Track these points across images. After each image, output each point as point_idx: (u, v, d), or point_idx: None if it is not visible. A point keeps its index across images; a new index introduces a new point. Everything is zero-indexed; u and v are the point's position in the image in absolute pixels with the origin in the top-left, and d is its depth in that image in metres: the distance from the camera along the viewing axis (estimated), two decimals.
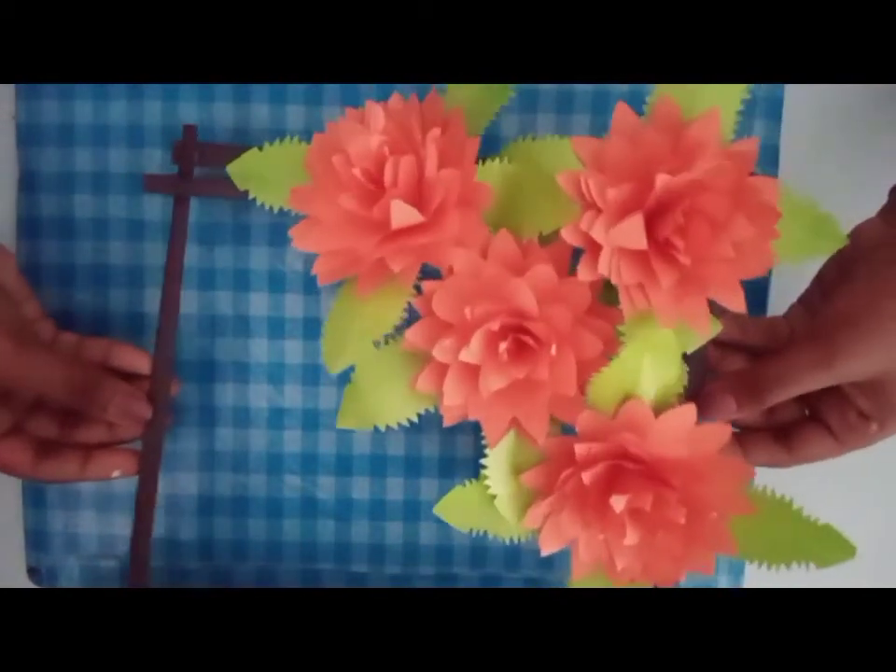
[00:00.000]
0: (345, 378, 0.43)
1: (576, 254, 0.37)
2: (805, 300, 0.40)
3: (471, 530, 0.39)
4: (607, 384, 0.36)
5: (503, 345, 0.36)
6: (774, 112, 0.43)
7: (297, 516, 0.44)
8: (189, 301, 0.43)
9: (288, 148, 0.39)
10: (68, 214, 0.43)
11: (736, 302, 0.35)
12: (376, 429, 0.44)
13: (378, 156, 0.36)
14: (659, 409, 0.37)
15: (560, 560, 0.44)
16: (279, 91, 0.42)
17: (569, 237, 0.35)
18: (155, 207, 0.43)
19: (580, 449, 0.36)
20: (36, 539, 0.45)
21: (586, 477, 0.35)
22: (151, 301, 0.43)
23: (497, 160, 0.37)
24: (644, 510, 0.35)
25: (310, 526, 0.45)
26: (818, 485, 0.45)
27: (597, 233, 0.34)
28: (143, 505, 0.41)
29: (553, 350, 0.35)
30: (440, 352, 0.36)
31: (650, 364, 0.36)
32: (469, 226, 0.36)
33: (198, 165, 0.42)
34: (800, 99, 0.43)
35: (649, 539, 0.36)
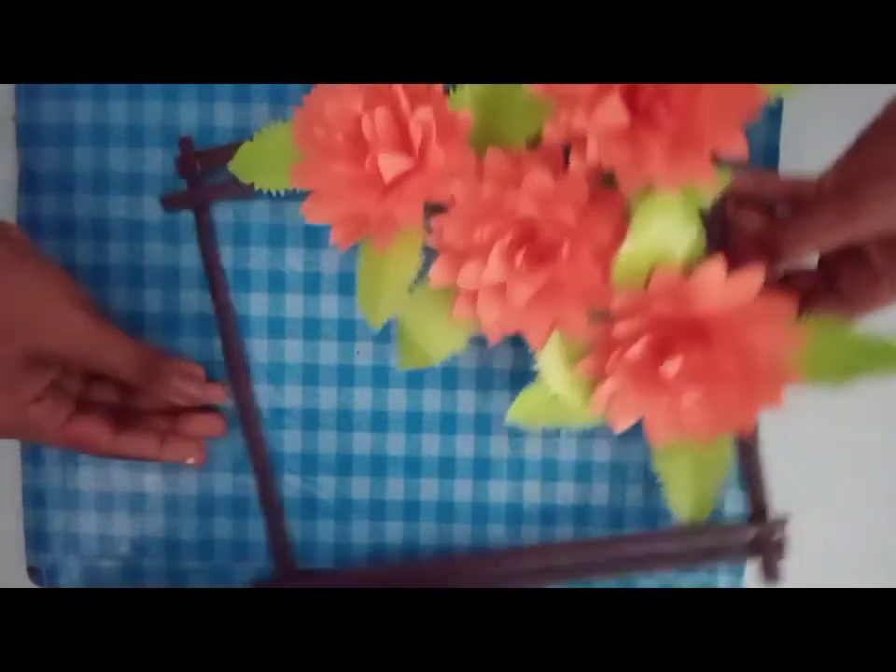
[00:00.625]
0: (346, 378, 0.43)
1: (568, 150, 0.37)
2: (834, 163, 0.38)
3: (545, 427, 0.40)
4: (628, 262, 0.37)
5: (519, 257, 0.36)
6: (774, 112, 0.43)
7: (297, 516, 0.44)
8: (190, 302, 0.43)
9: (280, 131, 0.39)
10: (68, 214, 0.43)
11: (736, 147, 0.35)
12: (376, 429, 0.44)
13: (355, 116, 0.37)
14: (687, 271, 0.37)
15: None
16: (279, 91, 0.42)
17: (553, 135, 0.36)
18: (155, 207, 0.43)
19: (620, 328, 0.37)
20: (36, 539, 0.45)
21: (633, 353, 0.37)
22: (151, 300, 0.43)
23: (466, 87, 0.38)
24: (696, 368, 0.36)
25: (310, 526, 0.45)
26: (818, 485, 0.45)
27: (578, 122, 0.35)
28: (267, 508, 0.43)
29: (566, 248, 0.36)
30: (464, 281, 0.37)
31: (662, 230, 0.36)
32: (455, 156, 0.37)
33: (202, 172, 0.42)
34: (800, 99, 0.43)
35: (709, 393, 0.37)
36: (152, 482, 0.44)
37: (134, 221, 0.43)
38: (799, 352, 0.37)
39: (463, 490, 0.44)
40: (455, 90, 0.38)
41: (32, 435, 0.39)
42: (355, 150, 0.37)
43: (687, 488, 0.41)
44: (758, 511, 0.43)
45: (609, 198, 0.37)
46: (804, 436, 0.45)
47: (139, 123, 0.43)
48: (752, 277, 0.37)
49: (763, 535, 0.43)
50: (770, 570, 0.43)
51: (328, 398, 0.44)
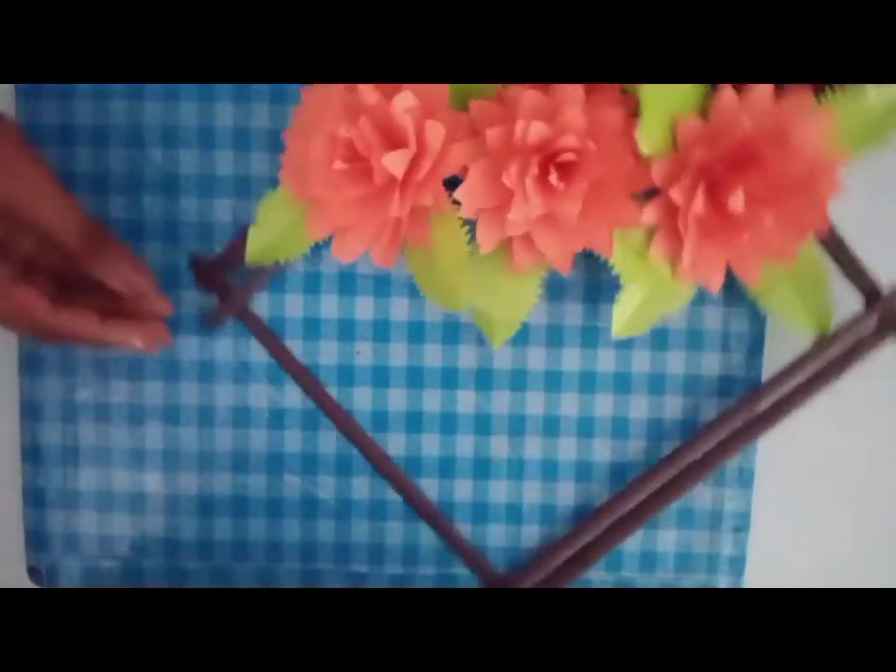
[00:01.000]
0: (346, 378, 0.43)
1: None
2: None
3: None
4: (650, 132, 0.37)
5: (553, 178, 0.36)
6: None
7: (297, 516, 0.44)
8: (190, 303, 0.43)
9: (275, 198, 0.39)
10: None
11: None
12: (376, 429, 0.44)
13: (343, 140, 0.37)
14: (704, 112, 0.38)
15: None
16: (280, 91, 0.42)
17: None
18: (155, 207, 0.43)
19: (673, 193, 0.37)
20: (36, 539, 0.45)
21: (696, 207, 0.37)
22: None
23: None
24: (759, 192, 0.37)
25: (310, 526, 0.45)
26: (817, 485, 0.45)
27: None
28: (423, 513, 0.43)
29: (591, 148, 0.36)
30: (513, 227, 0.37)
31: (671, 93, 0.37)
32: (449, 125, 0.36)
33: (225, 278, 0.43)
34: None
35: (780, 209, 0.37)
36: (152, 482, 0.44)
37: (135, 221, 0.43)
38: (834, 132, 0.37)
39: (463, 490, 0.44)
40: None
41: None
42: (358, 171, 0.37)
43: (803, 308, 0.41)
44: (871, 293, 0.42)
45: (603, 89, 0.37)
46: (803, 436, 0.45)
47: (139, 123, 0.43)
48: (764, 91, 0.37)
49: (885, 312, 0.42)
50: None
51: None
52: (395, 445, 0.44)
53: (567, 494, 0.44)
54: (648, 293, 0.39)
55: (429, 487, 0.44)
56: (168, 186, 0.43)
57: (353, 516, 0.44)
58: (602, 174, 0.37)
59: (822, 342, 0.42)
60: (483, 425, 0.44)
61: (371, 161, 0.36)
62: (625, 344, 0.43)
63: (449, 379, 0.44)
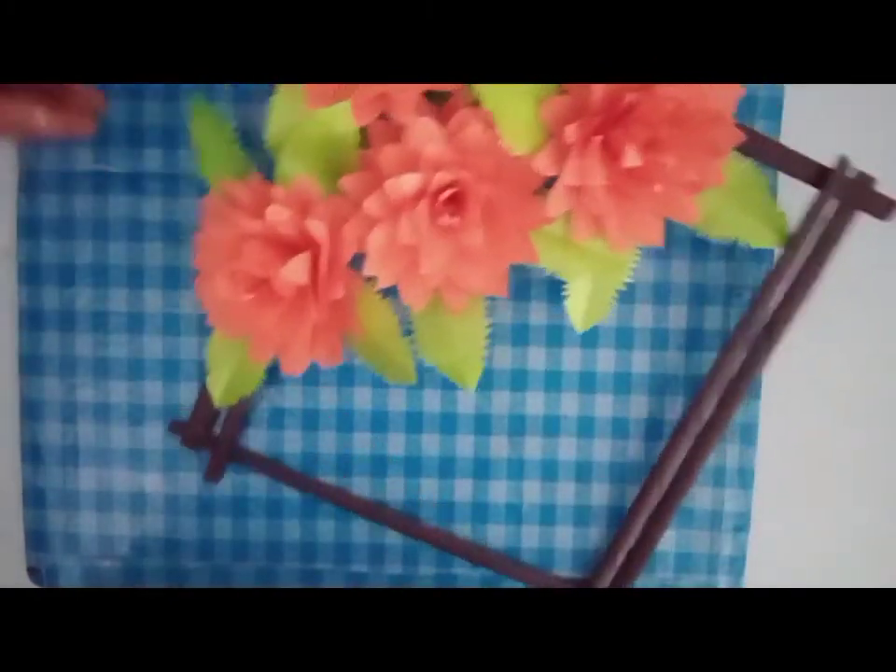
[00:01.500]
0: (346, 379, 0.43)
1: None
2: None
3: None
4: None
5: (445, 218, 0.36)
6: (774, 112, 0.43)
7: (297, 516, 0.44)
8: (190, 304, 0.43)
9: (215, 342, 0.40)
10: (68, 214, 0.43)
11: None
12: (376, 429, 0.44)
13: (247, 278, 0.37)
14: None
15: (561, 560, 0.44)
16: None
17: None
18: (155, 207, 0.43)
19: (572, 169, 0.36)
20: (36, 539, 0.45)
21: (594, 175, 0.36)
22: (151, 300, 0.43)
23: None
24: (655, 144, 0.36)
25: (310, 526, 0.45)
26: (817, 485, 0.45)
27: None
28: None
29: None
30: (431, 280, 0.37)
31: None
32: (328, 213, 0.36)
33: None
34: (800, 99, 0.43)
35: (682, 159, 0.36)
36: (152, 482, 0.44)
37: (134, 221, 0.43)
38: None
39: (463, 490, 0.44)
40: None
41: None
42: (267, 293, 0.37)
43: (756, 223, 0.39)
44: (819, 176, 0.40)
45: (454, 109, 0.36)
46: (803, 436, 0.45)
47: (139, 123, 0.43)
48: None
49: (840, 185, 0.40)
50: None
51: (328, 398, 0.44)
52: (395, 445, 0.44)
53: (567, 494, 0.44)
54: (593, 278, 0.39)
55: (429, 487, 0.44)
56: (168, 185, 0.43)
57: (353, 516, 0.44)
58: (489, 191, 0.36)
59: (792, 244, 0.40)
60: (482, 425, 0.44)
61: (273, 281, 0.36)
62: (625, 345, 0.43)
63: (449, 379, 0.44)
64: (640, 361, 0.44)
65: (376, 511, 0.44)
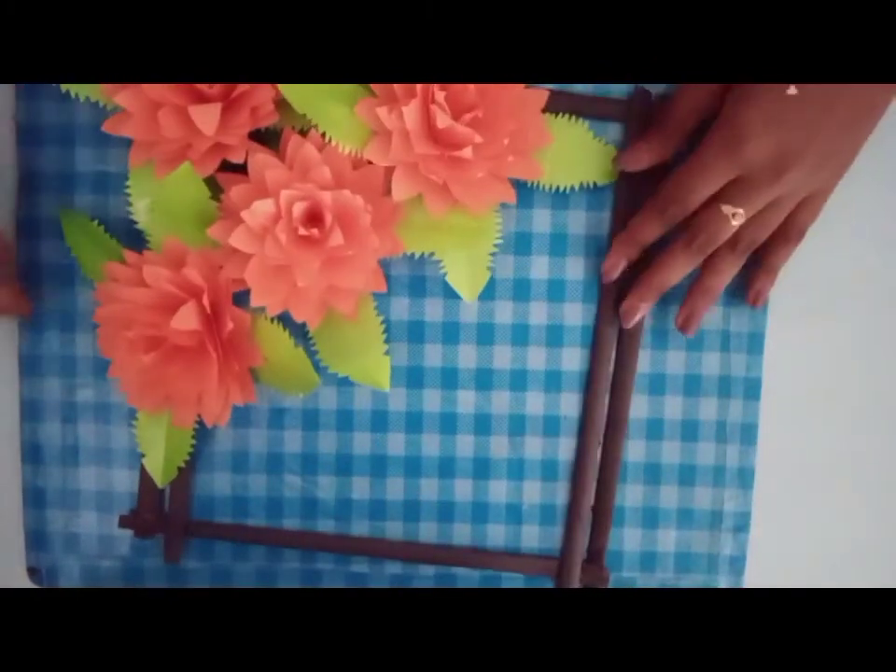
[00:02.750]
0: (346, 379, 0.43)
1: None
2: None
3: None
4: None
5: (302, 231, 0.38)
6: None
7: (297, 516, 0.44)
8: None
9: (141, 422, 0.43)
10: None
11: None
12: (376, 429, 0.44)
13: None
14: None
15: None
16: None
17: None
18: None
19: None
20: (36, 539, 0.45)
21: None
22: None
23: None
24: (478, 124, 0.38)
25: (310, 526, 0.45)
26: (817, 486, 0.45)
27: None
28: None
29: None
30: (311, 292, 0.39)
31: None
32: (202, 262, 0.40)
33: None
34: None
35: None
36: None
37: (134, 221, 0.43)
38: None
39: (463, 490, 0.44)
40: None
41: None
42: (167, 351, 0.40)
43: (586, 164, 0.42)
44: (624, 114, 0.42)
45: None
46: (803, 436, 0.45)
47: None
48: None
49: (639, 108, 0.42)
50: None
51: (328, 398, 0.44)
52: (395, 445, 0.44)
53: (567, 493, 0.44)
54: (465, 248, 0.41)
55: (429, 487, 0.44)
56: None
57: (353, 516, 0.44)
58: (336, 197, 0.38)
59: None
60: (482, 425, 0.44)
61: (168, 335, 0.39)
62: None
63: (449, 379, 0.44)
64: (640, 361, 0.44)
65: (344, 545, 0.45)
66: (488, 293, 0.43)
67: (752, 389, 0.44)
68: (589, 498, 0.44)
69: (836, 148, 0.38)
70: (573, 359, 0.44)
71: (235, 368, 0.40)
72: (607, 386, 0.43)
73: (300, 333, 0.41)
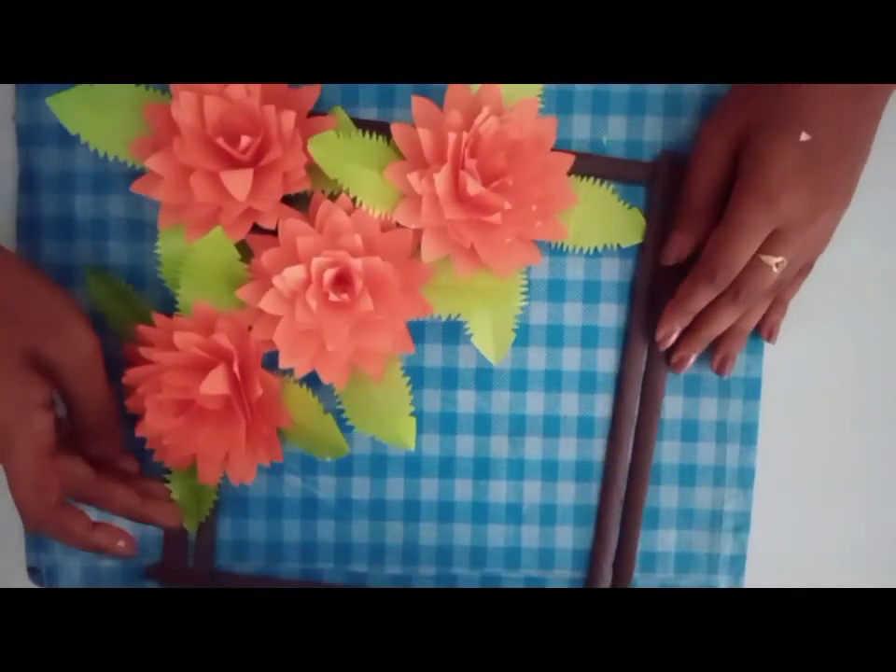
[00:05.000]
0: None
1: None
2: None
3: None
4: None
5: (333, 296, 0.38)
6: None
7: (297, 516, 0.44)
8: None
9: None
10: (68, 214, 0.43)
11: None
12: None
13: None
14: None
15: (561, 560, 0.44)
16: None
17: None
18: (155, 207, 0.43)
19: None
20: (36, 539, 0.45)
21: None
22: (151, 298, 0.43)
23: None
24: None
25: (310, 526, 0.45)
26: (817, 486, 0.45)
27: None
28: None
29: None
30: (340, 356, 0.40)
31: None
32: (231, 328, 0.40)
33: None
34: None
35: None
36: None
37: (134, 221, 0.43)
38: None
39: (463, 490, 0.44)
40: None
41: (23, 446, 0.36)
42: (195, 414, 0.40)
43: (618, 227, 0.43)
44: (649, 180, 0.43)
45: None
46: (803, 436, 0.45)
47: None
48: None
49: (661, 174, 0.43)
50: None
51: (327, 398, 0.44)
52: (394, 445, 0.44)
53: (567, 494, 0.44)
54: (490, 310, 0.41)
55: (429, 487, 0.44)
56: None
57: (353, 516, 0.44)
58: (366, 263, 0.38)
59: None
60: (482, 425, 0.44)
61: (198, 400, 0.39)
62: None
63: (449, 379, 0.44)
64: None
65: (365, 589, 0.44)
66: None
67: (752, 389, 0.44)
68: (619, 497, 0.44)
69: (856, 175, 0.40)
70: (574, 359, 0.44)
71: (264, 430, 0.40)
72: (624, 474, 0.44)
73: (326, 394, 0.41)
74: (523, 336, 0.43)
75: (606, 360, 0.44)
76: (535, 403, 0.44)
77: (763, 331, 0.43)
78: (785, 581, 0.44)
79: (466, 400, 0.44)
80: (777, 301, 0.42)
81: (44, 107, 0.42)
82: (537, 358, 0.44)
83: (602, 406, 0.44)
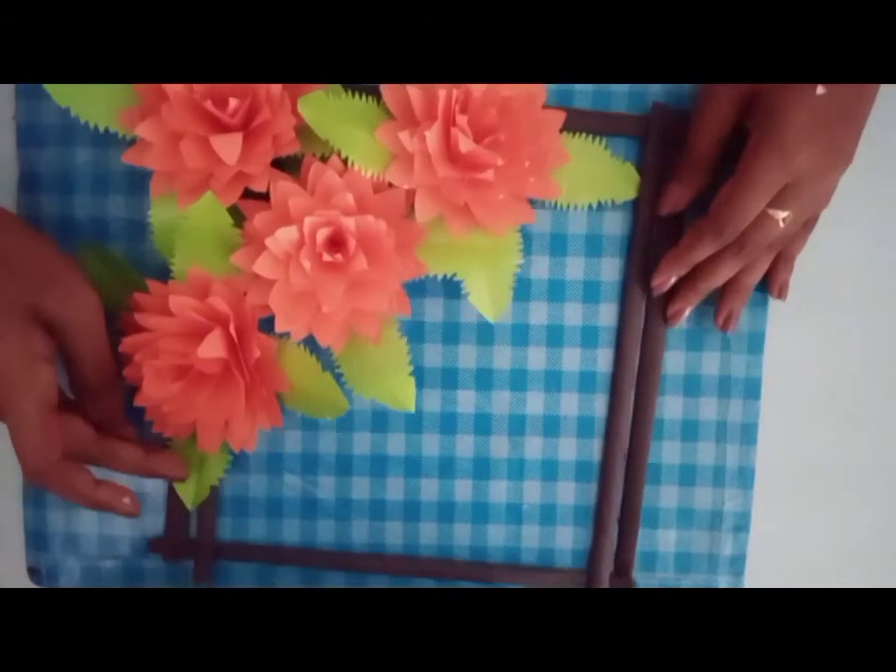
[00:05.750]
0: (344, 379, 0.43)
1: None
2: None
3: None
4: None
5: (326, 256, 0.38)
6: None
7: (297, 516, 0.44)
8: None
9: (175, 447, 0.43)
10: (68, 214, 0.43)
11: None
12: (376, 429, 0.44)
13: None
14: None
15: (561, 560, 0.44)
16: None
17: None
18: (155, 207, 0.43)
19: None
20: (36, 539, 0.45)
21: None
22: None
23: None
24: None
25: (310, 526, 0.45)
26: (817, 486, 0.45)
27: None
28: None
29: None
30: (336, 316, 0.39)
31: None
32: (227, 291, 0.39)
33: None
34: None
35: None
36: (152, 482, 0.44)
37: (134, 221, 0.43)
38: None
39: (463, 490, 0.44)
40: None
41: (27, 397, 0.36)
42: (195, 378, 0.39)
43: (608, 181, 0.42)
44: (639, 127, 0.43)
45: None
46: (803, 436, 0.45)
47: None
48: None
49: (656, 125, 0.43)
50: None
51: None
52: (395, 445, 0.44)
53: (567, 494, 0.44)
54: (486, 269, 0.41)
55: (429, 487, 0.44)
56: None
57: (353, 516, 0.44)
58: (359, 222, 0.38)
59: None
60: (482, 425, 0.44)
61: (194, 363, 0.39)
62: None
63: (449, 379, 0.44)
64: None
65: (376, 562, 0.45)
66: None
67: (752, 389, 0.44)
68: (623, 453, 0.44)
69: (858, 137, 0.39)
70: (573, 359, 0.44)
71: (263, 394, 0.40)
72: (632, 385, 0.44)
73: (324, 357, 0.41)
74: (523, 335, 0.43)
75: (605, 360, 0.44)
76: (535, 403, 0.44)
77: (774, 290, 0.42)
78: (785, 581, 0.44)
79: (466, 400, 0.44)
80: (785, 258, 0.42)
81: (44, 107, 0.43)
82: (536, 358, 0.44)
83: (602, 406, 0.44)
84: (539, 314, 0.43)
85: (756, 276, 0.42)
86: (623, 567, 0.44)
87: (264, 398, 0.40)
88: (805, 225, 0.41)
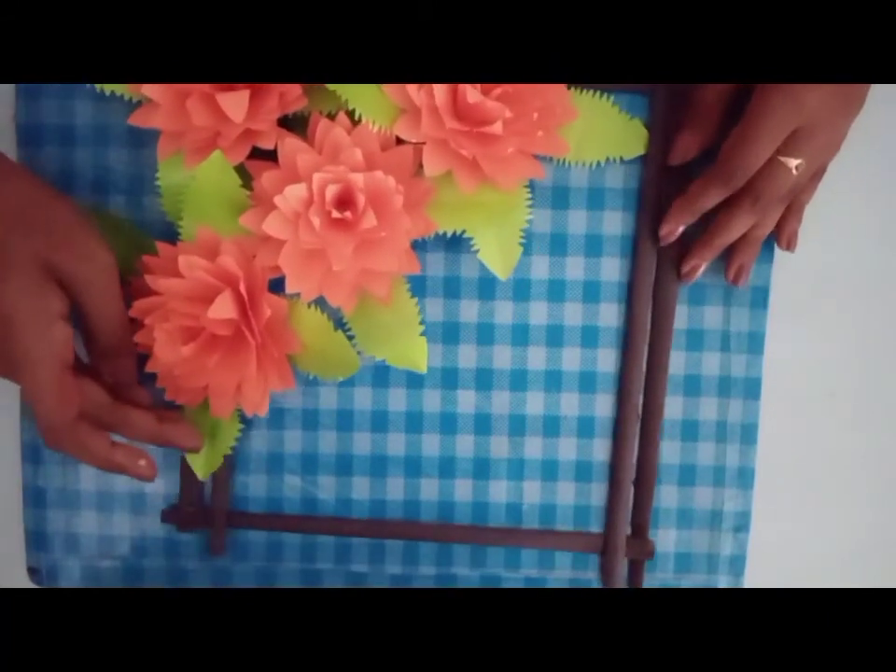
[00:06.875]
0: (346, 379, 0.43)
1: None
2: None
3: None
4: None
5: (335, 213, 0.38)
6: None
7: (297, 516, 0.44)
8: None
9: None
10: None
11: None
12: (376, 429, 0.44)
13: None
14: None
15: (560, 559, 0.44)
16: None
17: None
18: (156, 207, 0.43)
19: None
20: (36, 539, 0.45)
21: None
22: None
23: None
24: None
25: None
26: (817, 486, 0.45)
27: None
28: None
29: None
30: (347, 276, 0.39)
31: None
32: (238, 251, 0.39)
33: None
34: None
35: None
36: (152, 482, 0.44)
37: (134, 221, 0.43)
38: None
39: (463, 490, 0.44)
40: None
41: (44, 354, 0.36)
42: (206, 341, 0.39)
43: (617, 137, 0.42)
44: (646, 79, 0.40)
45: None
46: (803, 436, 0.45)
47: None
48: None
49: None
50: None
51: (328, 398, 0.44)
52: (395, 445, 0.44)
53: (567, 494, 0.44)
54: (496, 224, 0.41)
55: (429, 487, 0.44)
56: None
57: (353, 516, 0.44)
58: (368, 179, 0.38)
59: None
60: (482, 425, 0.44)
61: (205, 325, 0.38)
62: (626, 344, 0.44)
63: (449, 379, 0.44)
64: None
65: (376, 529, 0.44)
66: (489, 293, 0.43)
67: (752, 389, 0.44)
68: (636, 410, 0.44)
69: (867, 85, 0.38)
70: (574, 359, 0.44)
71: (274, 354, 0.39)
72: (645, 340, 0.43)
73: (335, 319, 0.41)
74: (523, 335, 0.43)
75: (606, 360, 0.44)
76: (535, 403, 0.44)
77: (782, 241, 0.42)
78: (785, 580, 0.44)
79: (466, 400, 0.44)
80: (794, 208, 0.41)
81: (44, 107, 0.43)
82: (536, 358, 0.44)
83: (601, 406, 0.44)
84: (540, 267, 0.43)
85: (768, 228, 0.41)
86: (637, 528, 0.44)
87: (276, 359, 0.40)
88: (815, 175, 0.41)
